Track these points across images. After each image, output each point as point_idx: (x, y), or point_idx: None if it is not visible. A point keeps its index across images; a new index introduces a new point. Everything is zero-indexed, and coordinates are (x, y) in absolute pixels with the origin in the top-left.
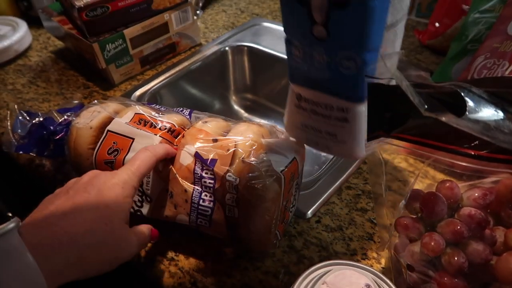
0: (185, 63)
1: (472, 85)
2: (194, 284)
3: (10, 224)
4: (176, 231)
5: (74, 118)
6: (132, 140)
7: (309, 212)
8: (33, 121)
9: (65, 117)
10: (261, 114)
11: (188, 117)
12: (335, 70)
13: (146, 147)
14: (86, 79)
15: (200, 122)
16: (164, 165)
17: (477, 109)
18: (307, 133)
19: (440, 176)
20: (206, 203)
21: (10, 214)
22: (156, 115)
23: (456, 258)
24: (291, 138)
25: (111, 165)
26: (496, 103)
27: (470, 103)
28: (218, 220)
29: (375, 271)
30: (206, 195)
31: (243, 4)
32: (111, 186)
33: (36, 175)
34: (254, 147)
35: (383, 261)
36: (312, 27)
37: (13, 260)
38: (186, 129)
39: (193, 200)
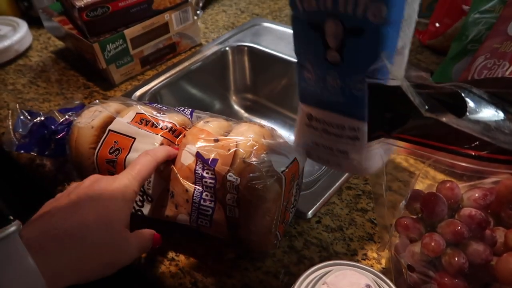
0: (185, 63)
1: (473, 85)
2: (195, 284)
3: (11, 228)
4: (176, 231)
5: (75, 118)
6: (133, 139)
7: (309, 212)
8: (34, 121)
9: (66, 116)
10: (261, 114)
11: (189, 116)
12: (348, 92)
13: (146, 151)
14: (87, 79)
15: (202, 121)
16: (165, 165)
17: (477, 110)
18: (318, 151)
19: (441, 177)
20: (207, 203)
21: (11, 217)
22: (158, 114)
23: (456, 259)
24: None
25: (113, 164)
26: (497, 104)
27: (470, 103)
28: (218, 220)
29: (376, 272)
30: (207, 195)
31: (243, 4)
32: (112, 190)
33: (36, 174)
34: (255, 147)
35: (383, 261)
36: (325, 52)
37: (14, 263)
38: (187, 129)
39: (194, 200)
